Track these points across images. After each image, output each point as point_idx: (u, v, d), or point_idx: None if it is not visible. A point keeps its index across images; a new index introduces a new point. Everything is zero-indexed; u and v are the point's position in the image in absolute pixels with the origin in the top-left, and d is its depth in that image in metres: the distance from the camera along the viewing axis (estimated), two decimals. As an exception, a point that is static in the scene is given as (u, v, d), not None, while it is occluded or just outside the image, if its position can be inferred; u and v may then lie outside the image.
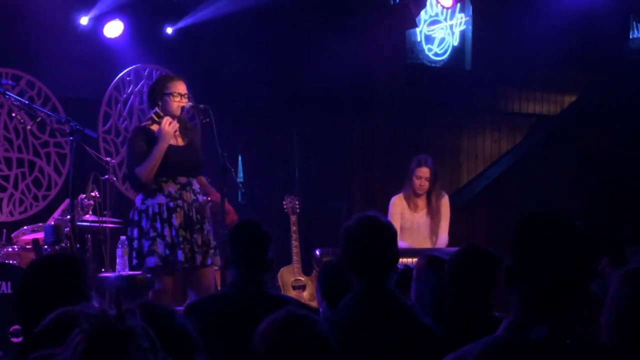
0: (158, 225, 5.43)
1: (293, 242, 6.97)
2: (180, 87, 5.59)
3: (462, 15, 9.97)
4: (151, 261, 5.40)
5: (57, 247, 5.62)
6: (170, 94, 5.54)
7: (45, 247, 5.72)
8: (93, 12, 7.87)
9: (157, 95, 5.59)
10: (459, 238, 6.81)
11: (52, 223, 6.01)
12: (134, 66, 8.22)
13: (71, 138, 5.52)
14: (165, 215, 5.45)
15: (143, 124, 5.75)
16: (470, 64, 10.09)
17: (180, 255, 5.41)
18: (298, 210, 7.05)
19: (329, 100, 8.88)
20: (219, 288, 5.57)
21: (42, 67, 7.59)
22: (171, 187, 5.50)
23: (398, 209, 6.88)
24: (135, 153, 5.51)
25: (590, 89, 10.40)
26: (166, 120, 5.47)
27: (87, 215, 6.19)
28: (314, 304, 5.76)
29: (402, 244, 6.13)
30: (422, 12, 9.47)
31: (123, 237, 5.81)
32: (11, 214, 7.53)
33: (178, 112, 5.55)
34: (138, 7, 8.08)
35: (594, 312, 2.64)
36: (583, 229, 2.11)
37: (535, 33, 9.48)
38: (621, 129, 9.72)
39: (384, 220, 3.32)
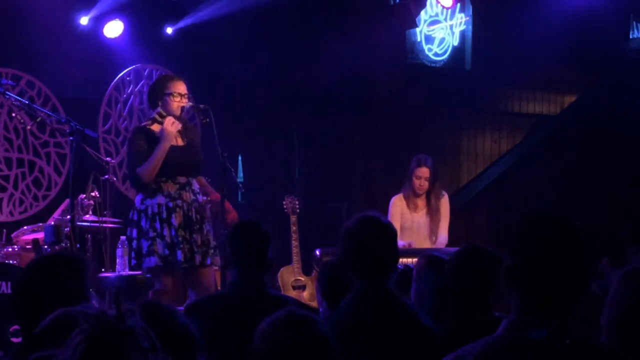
0: (157, 225, 5.43)
1: (293, 242, 6.97)
2: (180, 87, 5.59)
3: (462, 15, 9.96)
4: (151, 261, 5.40)
5: (57, 247, 5.62)
6: (170, 94, 5.54)
7: (45, 247, 5.72)
8: (93, 12, 7.87)
9: (157, 95, 5.59)
10: (459, 238, 6.81)
11: (52, 223, 6.01)
12: (134, 66, 8.22)
13: (71, 138, 5.52)
14: (164, 215, 5.44)
15: (143, 124, 5.75)
16: (470, 64, 10.09)
17: (180, 255, 5.41)
18: (298, 210, 7.05)
19: (329, 100, 8.88)
20: (219, 288, 5.57)
21: (42, 67, 7.59)
22: (170, 187, 5.50)
23: (398, 209, 6.88)
24: (135, 153, 5.51)
25: (590, 89, 10.40)
26: (169, 120, 5.47)
27: (87, 215, 6.19)
28: (314, 304, 5.76)
29: (400, 242, 6.14)
30: (422, 12, 9.47)
31: (123, 237, 5.81)
32: (11, 214, 7.53)
33: (178, 112, 5.55)
34: (138, 7, 8.08)
35: (594, 312, 2.64)
36: (583, 229, 2.11)
37: (535, 33, 9.48)
38: (621, 129, 9.72)
39: (384, 220, 3.32)
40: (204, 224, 5.58)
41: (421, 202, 6.92)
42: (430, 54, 9.88)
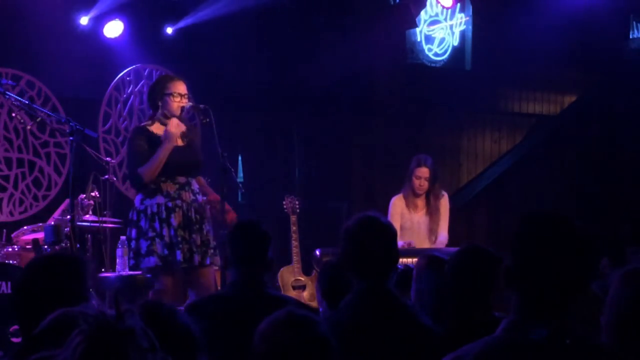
0: (157, 225, 5.43)
1: (293, 242, 6.97)
2: (180, 88, 5.59)
3: (462, 15, 9.97)
4: (150, 261, 5.40)
5: (57, 247, 5.62)
6: (170, 94, 5.54)
7: (45, 247, 5.72)
8: (93, 12, 7.87)
9: (157, 95, 5.59)
10: (459, 238, 6.81)
11: (52, 223, 6.01)
12: (134, 66, 8.22)
13: (71, 138, 5.52)
14: (164, 215, 5.44)
15: (143, 124, 5.75)
16: (470, 64, 10.09)
17: (179, 255, 5.40)
18: (298, 210, 7.05)
19: (329, 100, 8.88)
20: (219, 288, 5.56)
21: (42, 67, 7.59)
22: (170, 187, 5.50)
23: (398, 209, 6.88)
24: (135, 152, 5.51)
25: (590, 89, 10.39)
26: (173, 121, 5.46)
27: (87, 215, 6.19)
28: (314, 304, 5.76)
29: (400, 242, 6.14)
30: (422, 12, 9.48)
31: (123, 237, 5.81)
32: (11, 214, 7.53)
33: (178, 112, 5.55)
34: (138, 7, 8.08)
35: (594, 312, 2.64)
36: (583, 229, 2.11)
37: (535, 33, 9.48)
38: (621, 129, 9.72)
39: (384, 220, 3.31)
40: (203, 224, 5.57)
41: (421, 202, 6.92)
42: (430, 54, 9.88)
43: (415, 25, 9.19)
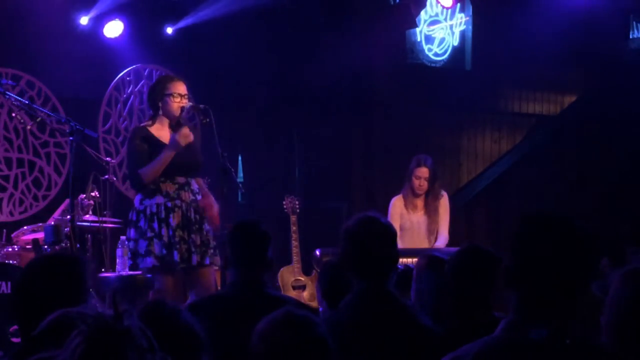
0: (155, 225, 5.42)
1: (293, 242, 6.97)
2: (180, 88, 5.58)
3: (462, 15, 9.96)
4: (147, 262, 5.40)
5: (57, 247, 5.62)
6: (170, 94, 5.54)
7: (45, 247, 5.72)
8: (93, 12, 7.87)
9: (157, 96, 5.59)
10: (459, 238, 6.81)
11: (52, 223, 6.02)
12: (134, 66, 8.22)
13: (71, 138, 5.52)
14: (163, 215, 5.44)
15: (143, 124, 5.74)
16: (470, 64, 10.09)
17: (176, 256, 5.39)
18: (298, 210, 7.05)
19: (329, 100, 8.88)
20: (219, 288, 5.56)
21: (42, 67, 7.59)
22: (169, 187, 5.50)
23: (397, 210, 6.88)
24: (135, 153, 5.50)
25: (590, 89, 10.39)
26: (184, 130, 5.42)
27: (87, 215, 6.20)
28: (314, 304, 5.77)
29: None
30: (422, 12, 9.47)
31: (123, 237, 5.81)
32: (11, 214, 7.53)
33: (178, 113, 5.55)
34: (138, 7, 8.08)
35: (594, 313, 2.63)
36: (583, 229, 2.11)
37: (535, 33, 9.48)
38: (621, 129, 9.72)
39: (384, 220, 3.31)
40: (203, 224, 5.57)
41: (420, 202, 6.91)
42: (430, 54, 9.88)
43: (415, 25, 9.18)
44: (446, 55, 9.97)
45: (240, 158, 8.66)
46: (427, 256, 3.95)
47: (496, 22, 9.75)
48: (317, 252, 6.48)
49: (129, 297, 5.46)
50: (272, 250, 3.69)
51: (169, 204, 5.46)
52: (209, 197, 5.66)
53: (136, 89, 8.23)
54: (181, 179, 5.53)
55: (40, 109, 6.24)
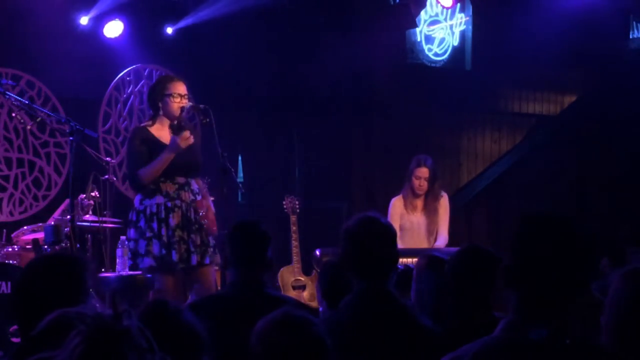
0: (155, 225, 5.42)
1: (293, 242, 6.97)
2: (180, 88, 5.58)
3: (462, 15, 9.96)
4: (145, 262, 5.40)
5: (57, 247, 5.62)
6: (170, 94, 5.54)
7: (45, 247, 5.72)
8: (93, 12, 7.87)
9: (157, 96, 5.58)
10: (459, 238, 6.81)
11: (52, 223, 6.02)
12: (134, 66, 8.22)
13: (71, 138, 5.52)
14: (162, 215, 5.44)
15: (142, 124, 5.74)
16: (470, 64, 10.09)
17: (175, 256, 5.39)
18: (298, 210, 7.05)
19: (329, 100, 8.88)
20: (219, 288, 5.56)
21: (42, 67, 7.59)
22: (169, 188, 5.50)
23: (397, 210, 6.88)
24: (134, 153, 5.50)
25: (590, 89, 10.39)
26: (186, 135, 5.42)
27: (87, 215, 6.19)
28: (314, 304, 5.77)
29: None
30: (422, 12, 9.48)
31: (123, 237, 5.81)
32: (11, 214, 7.53)
33: (178, 113, 5.54)
34: (138, 7, 8.08)
35: (594, 314, 2.63)
36: (583, 229, 2.11)
37: (536, 33, 9.48)
38: (621, 129, 9.72)
39: (384, 220, 3.31)
40: (203, 223, 5.56)
41: (420, 202, 6.91)
42: (430, 54, 9.88)
43: (415, 25, 9.19)
44: (446, 55, 9.97)
45: (240, 158, 8.66)
46: (427, 256, 3.95)
47: (496, 22, 9.75)
48: (317, 252, 6.48)
49: (128, 297, 5.45)
50: (272, 250, 3.69)
51: (169, 204, 5.46)
52: (206, 200, 5.66)
53: (136, 89, 8.23)
54: (181, 179, 5.53)
55: (40, 109, 6.24)
